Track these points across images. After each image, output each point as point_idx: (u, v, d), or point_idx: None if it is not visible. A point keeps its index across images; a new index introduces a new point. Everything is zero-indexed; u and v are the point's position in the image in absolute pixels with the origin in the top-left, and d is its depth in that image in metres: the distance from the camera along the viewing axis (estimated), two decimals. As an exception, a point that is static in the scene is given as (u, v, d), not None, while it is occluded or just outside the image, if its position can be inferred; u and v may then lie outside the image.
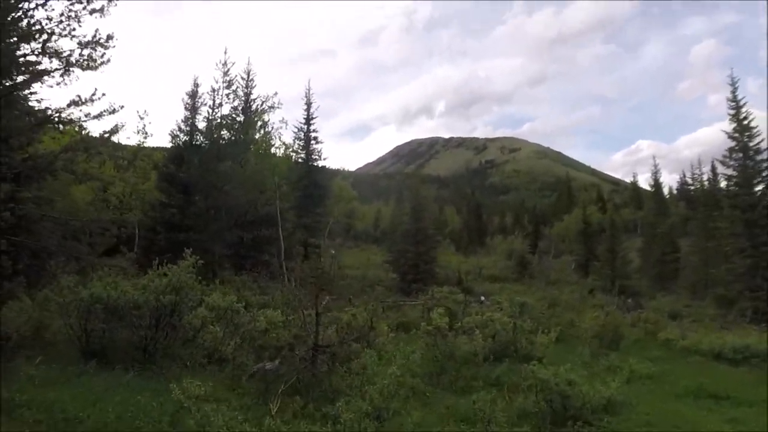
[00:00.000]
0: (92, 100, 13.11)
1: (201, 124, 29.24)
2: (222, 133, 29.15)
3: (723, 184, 33.60)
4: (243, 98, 39.93)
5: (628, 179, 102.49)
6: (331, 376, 10.23)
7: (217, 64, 30.03)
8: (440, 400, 10.18)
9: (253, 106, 37.72)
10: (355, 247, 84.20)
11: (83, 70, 14.79)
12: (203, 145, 28.91)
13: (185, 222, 25.28)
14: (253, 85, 40.32)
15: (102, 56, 14.42)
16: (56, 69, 14.22)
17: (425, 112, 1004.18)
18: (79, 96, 12.76)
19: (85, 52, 14.70)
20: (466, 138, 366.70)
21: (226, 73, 29.80)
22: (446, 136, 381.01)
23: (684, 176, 65.94)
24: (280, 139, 32.82)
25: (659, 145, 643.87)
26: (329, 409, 6.59)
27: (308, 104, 44.65)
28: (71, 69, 14.50)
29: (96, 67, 15.08)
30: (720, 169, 32.75)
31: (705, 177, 55.91)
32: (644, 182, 75.53)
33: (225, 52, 30.51)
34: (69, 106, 12.91)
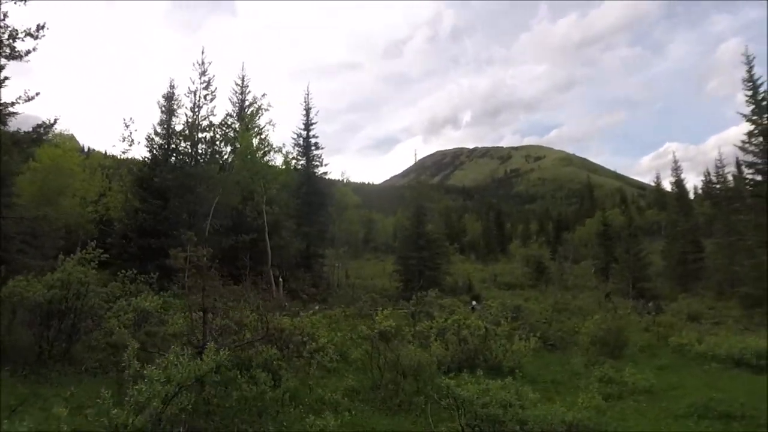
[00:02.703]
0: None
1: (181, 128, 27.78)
2: (201, 135, 27.55)
3: (744, 172, 30.21)
4: (237, 104, 39.01)
5: (661, 182, 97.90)
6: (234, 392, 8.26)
7: (194, 65, 28.55)
8: (363, 421, 8.09)
9: (248, 111, 36.57)
10: (375, 258, 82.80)
11: (8, 59, 14.34)
12: (181, 148, 27.39)
13: (157, 228, 23.69)
14: (248, 91, 39.22)
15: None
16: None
17: (451, 122, 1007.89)
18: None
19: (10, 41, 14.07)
20: (490, 148, 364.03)
21: (203, 74, 28.26)
22: (471, 146, 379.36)
23: (708, 175, 61.41)
24: (267, 143, 31.09)
25: (688, 147, 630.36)
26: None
27: (307, 109, 43.12)
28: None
29: (20, 57, 14.65)
30: (740, 155, 29.33)
31: (728, 172, 51.60)
32: (671, 185, 71.27)
33: (202, 52, 29.07)
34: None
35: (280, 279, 28.09)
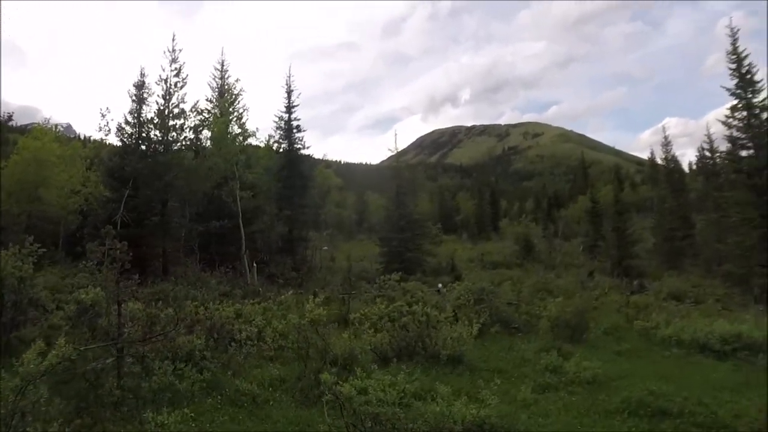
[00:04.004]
0: None
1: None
2: (171, 123, 27.14)
3: (726, 146, 29.50)
4: (216, 89, 38.48)
5: (655, 158, 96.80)
6: (144, 384, 8.08)
7: (165, 52, 27.96)
8: (276, 413, 7.94)
9: (225, 95, 36.14)
10: (368, 240, 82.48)
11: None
12: (152, 136, 27.07)
13: (126, 217, 23.49)
14: (227, 76, 38.65)
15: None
16: None
17: (450, 100, 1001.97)
18: None
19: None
20: (488, 125, 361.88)
21: (174, 60, 27.69)
22: (469, 124, 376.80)
23: (702, 150, 60.32)
24: (238, 126, 30.59)
25: (687, 122, 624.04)
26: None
27: (289, 92, 42.47)
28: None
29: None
30: (723, 130, 28.71)
31: (718, 147, 50.47)
32: (662, 160, 70.06)
33: (173, 39, 28.34)
34: None
35: (254, 264, 27.90)
